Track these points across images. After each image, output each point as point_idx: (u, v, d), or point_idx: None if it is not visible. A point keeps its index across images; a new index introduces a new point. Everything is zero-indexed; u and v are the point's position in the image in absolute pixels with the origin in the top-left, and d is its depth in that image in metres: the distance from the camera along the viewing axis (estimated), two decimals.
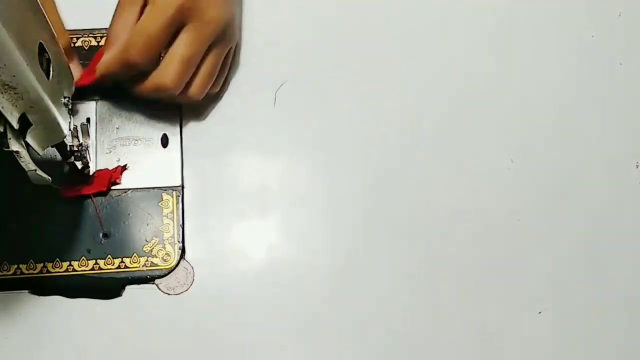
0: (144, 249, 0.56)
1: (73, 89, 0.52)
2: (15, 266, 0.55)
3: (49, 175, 0.47)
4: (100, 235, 0.56)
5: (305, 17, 0.64)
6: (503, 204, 0.60)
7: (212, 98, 0.60)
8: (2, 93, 0.41)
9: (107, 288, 0.55)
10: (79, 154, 0.53)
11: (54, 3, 0.55)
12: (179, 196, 0.58)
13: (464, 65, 0.63)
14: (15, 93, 0.41)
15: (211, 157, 0.59)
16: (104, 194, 0.57)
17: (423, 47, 0.63)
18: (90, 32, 0.61)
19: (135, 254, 0.56)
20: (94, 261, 0.56)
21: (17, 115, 0.42)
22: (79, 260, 0.56)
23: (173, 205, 0.57)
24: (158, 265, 0.56)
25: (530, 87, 0.63)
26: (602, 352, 0.57)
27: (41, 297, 0.55)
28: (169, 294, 0.56)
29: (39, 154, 0.47)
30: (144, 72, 0.54)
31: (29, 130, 0.44)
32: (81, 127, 0.53)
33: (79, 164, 0.55)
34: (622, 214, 0.60)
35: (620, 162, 0.62)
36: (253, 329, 0.56)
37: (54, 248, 0.56)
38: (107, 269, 0.56)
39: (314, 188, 0.59)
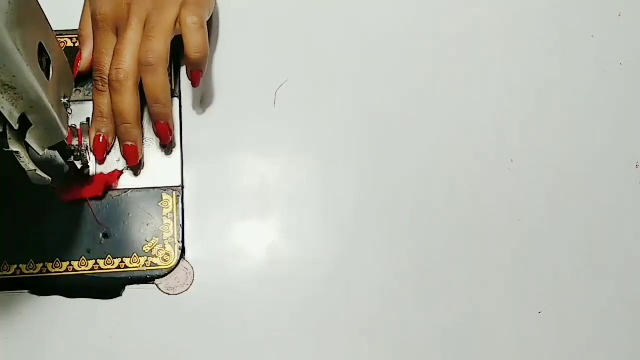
0: (144, 249, 0.56)
1: (73, 89, 0.52)
2: (15, 266, 0.55)
3: (49, 175, 0.47)
4: (100, 235, 0.56)
5: (305, 17, 0.63)
6: (503, 204, 0.60)
7: (212, 98, 0.60)
8: (2, 93, 0.41)
9: (107, 288, 0.55)
10: (79, 154, 0.53)
11: None
12: (179, 196, 0.58)
13: (464, 65, 0.63)
14: (15, 93, 0.41)
15: (211, 157, 0.59)
16: (99, 197, 0.57)
17: (423, 47, 0.63)
18: None
19: (135, 254, 0.56)
20: (94, 261, 0.56)
21: (17, 115, 0.42)
22: (79, 260, 0.56)
23: (173, 205, 0.57)
24: (158, 265, 0.56)
25: (530, 87, 0.63)
26: (602, 352, 0.57)
27: (41, 297, 0.55)
28: (169, 294, 0.56)
29: (39, 154, 0.47)
30: None
31: (29, 131, 0.44)
32: (81, 127, 0.53)
33: (78, 164, 0.55)
34: (622, 214, 0.60)
35: (620, 162, 0.62)
36: (253, 329, 0.56)
37: (54, 248, 0.56)
38: (107, 269, 0.56)
39: (313, 188, 0.59)
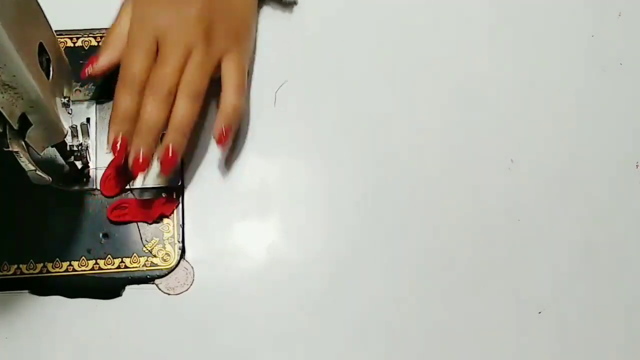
0: (144, 249, 0.56)
1: (73, 89, 0.52)
2: (15, 266, 0.55)
3: (49, 175, 0.47)
4: (100, 235, 0.56)
5: (305, 17, 0.63)
6: (503, 204, 0.60)
7: (212, 97, 0.60)
8: (2, 93, 0.41)
9: (107, 288, 0.55)
10: (79, 154, 0.53)
11: None
12: (179, 196, 0.58)
13: (464, 66, 0.63)
14: (15, 93, 0.41)
15: (211, 157, 0.59)
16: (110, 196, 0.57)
17: (423, 47, 0.63)
18: (90, 32, 0.61)
19: (135, 254, 0.56)
20: (94, 261, 0.56)
21: (17, 115, 0.42)
22: (79, 260, 0.56)
23: None
24: (158, 265, 0.56)
25: (530, 87, 0.63)
26: (602, 352, 0.57)
27: (41, 297, 0.55)
28: (169, 294, 0.56)
29: (39, 154, 0.47)
30: None
31: (29, 130, 0.44)
32: (81, 127, 0.53)
33: (79, 164, 0.55)
34: (622, 214, 0.60)
35: (620, 162, 0.62)
36: (253, 329, 0.56)
37: (54, 248, 0.56)
38: (107, 269, 0.56)
39: (313, 188, 0.59)
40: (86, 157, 0.54)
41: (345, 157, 0.60)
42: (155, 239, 0.57)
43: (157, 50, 0.54)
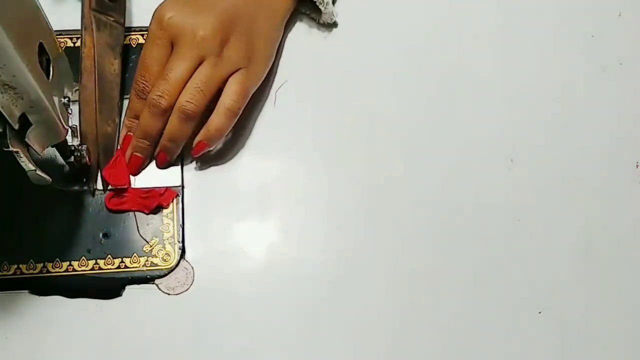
0: (144, 249, 0.56)
1: (73, 89, 0.52)
2: (15, 266, 0.55)
3: (49, 175, 0.47)
4: (100, 235, 0.56)
5: (305, 17, 0.63)
6: (503, 204, 0.60)
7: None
8: (2, 93, 0.41)
9: (107, 288, 0.55)
10: (79, 154, 0.53)
11: None
12: (179, 196, 0.58)
13: (464, 66, 0.63)
14: (15, 93, 0.41)
15: (211, 157, 0.59)
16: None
17: (423, 47, 0.63)
18: None
19: (135, 254, 0.56)
20: (94, 261, 0.56)
21: (17, 115, 0.43)
22: (79, 260, 0.56)
23: (173, 205, 0.57)
24: (158, 265, 0.56)
25: (530, 87, 0.63)
26: (602, 352, 0.57)
27: (41, 297, 0.55)
28: (169, 294, 0.56)
29: (39, 154, 0.47)
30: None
31: (29, 130, 0.44)
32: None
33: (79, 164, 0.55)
34: (622, 214, 0.60)
35: (620, 162, 0.62)
36: (253, 329, 0.56)
37: (54, 248, 0.56)
38: (107, 269, 0.56)
39: (313, 188, 0.59)
40: (86, 157, 0.54)
41: (345, 157, 0.60)
42: (155, 239, 0.57)
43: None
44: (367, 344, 0.56)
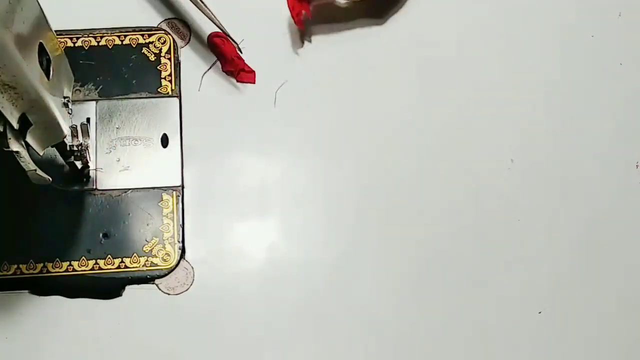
0: (144, 249, 0.56)
1: (73, 89, 0.52)
2: (15, 266, 0.55)
3: (49, 175, 0.47)
4: (100, 235, 0.56)
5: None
6: (503, 204, 0.60)
7: (212, 98, 0.60)
8: (2, 93, 0.41)
9: (107, 288, 0.55)
10: (79, 154, 0.53)
11: None
12: (179, 196, 0.58)
13: (464, 66, 0.63)
14: (15, 93, 0.41)
15: (211, 157, 0.59)
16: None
17: (423, 47, 0.63)
18: (90, 32, 0.61)
19: (135, 254, 0.56)
20: (94, 261, 0.56)
21: (17, 115, 0.42)
22: (79, 260, 0.56)
23: (173, 205, 0.57)
24: (158, 265, 0.56)
25: (530, 87, 0.63)
26: (602, 352, 0.57)
27: (41, 297, 0.55)
28: (169, 294, 0.56)
29: (39, 154, 0.47)
30: None
31: (29, 130, 0.44)
32: (81, 127, 0.53)
33: (79, 164, 0.55)
34: (622, 214, 0.60)
35: (620, 162, 0.62)
36: (253, 329, 0.56)
37: (54, 248, 0.56)
38: (107, 269, 0.56)
39: (313, 188, 0.59)
40: (86, 157, 0.54)
41: (345, 157, 0.60)
42: (155, 239, 0.57)
43: None
44: (367, 343, 0.56)
